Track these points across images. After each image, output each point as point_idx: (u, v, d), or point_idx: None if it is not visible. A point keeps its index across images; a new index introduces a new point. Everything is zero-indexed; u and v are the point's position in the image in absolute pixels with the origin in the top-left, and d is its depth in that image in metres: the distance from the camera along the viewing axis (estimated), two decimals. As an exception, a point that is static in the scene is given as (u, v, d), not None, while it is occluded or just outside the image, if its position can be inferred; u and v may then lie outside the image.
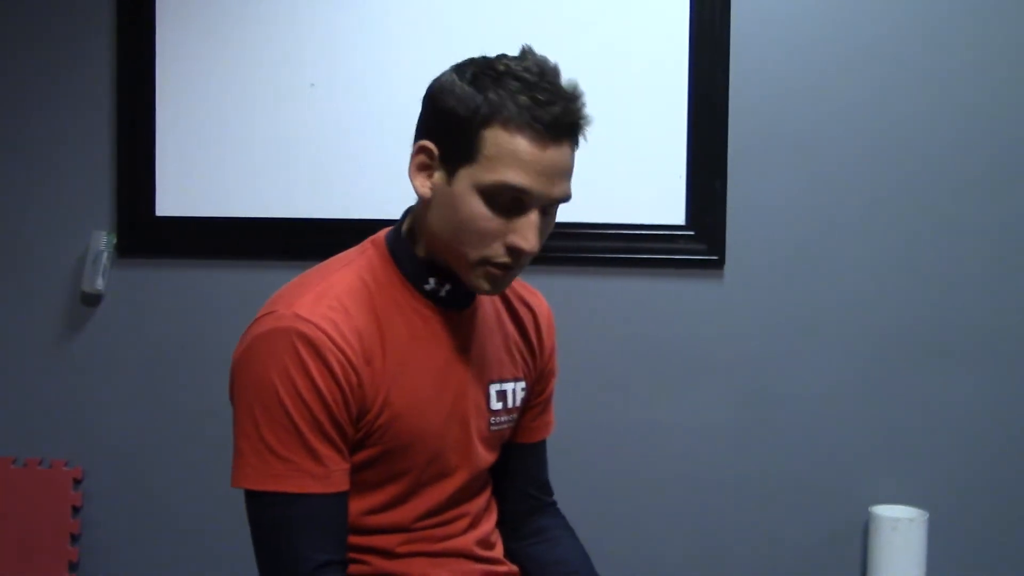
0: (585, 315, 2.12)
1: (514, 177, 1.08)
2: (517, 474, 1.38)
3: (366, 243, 1.23)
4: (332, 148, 2.15)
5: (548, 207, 1.14)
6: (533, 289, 1.40)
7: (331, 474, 1.11)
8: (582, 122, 1.11)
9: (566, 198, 1.14)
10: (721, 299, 2.10)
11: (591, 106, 1.14)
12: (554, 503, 1.44)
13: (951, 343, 2.05)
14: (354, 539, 1.18)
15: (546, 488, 1.43)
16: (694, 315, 2.11)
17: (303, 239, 2.15)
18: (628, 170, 2.09)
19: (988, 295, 2.04)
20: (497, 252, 1.12)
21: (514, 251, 1.12)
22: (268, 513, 1.10)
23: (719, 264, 2.09)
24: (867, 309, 2.06)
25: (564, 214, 2.07)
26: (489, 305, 1.30)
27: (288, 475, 1.09)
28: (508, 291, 1.34)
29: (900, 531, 1.97)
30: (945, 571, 2.03)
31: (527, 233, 1.11)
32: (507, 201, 1.09)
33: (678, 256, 2.10)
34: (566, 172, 1.12)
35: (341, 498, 1.12)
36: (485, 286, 1.15)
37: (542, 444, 1.42)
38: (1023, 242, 2.03)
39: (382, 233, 1.24)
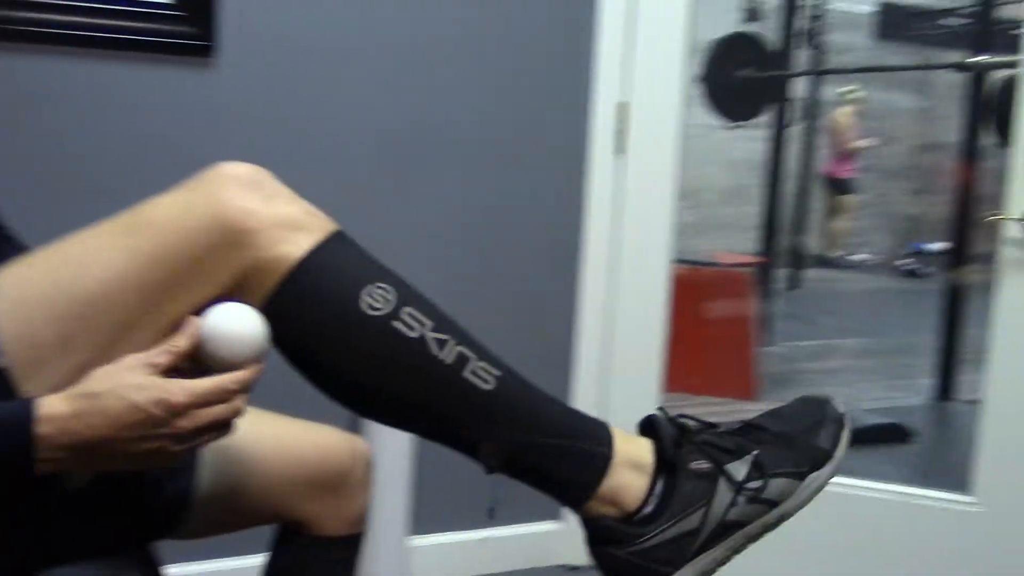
0: (50, 103, 1.80)
1: None
2: None
3: None
4: None
5: None
6: None
7: None
8: None
9: None
10: (210, 90, 1.91)
11: None
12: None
13: (438, 149, 2.08)
14: None
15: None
16: (178, 107, 1.89)
17: None
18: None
19: (480, 106, 2.10)
20: None
21: None
22: None
23: (209, 51, 1.89)
24: (365, 109, 2.01)
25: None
26: None
27: None
28: None
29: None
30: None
31: None
32: None
33: (162, 39, 1.86)
34: None
35: None
36: None
37: None
38: (517, 55, 2.11)
39: None
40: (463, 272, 2.14)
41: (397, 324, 0.92)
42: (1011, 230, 2.00)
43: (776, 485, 0.97)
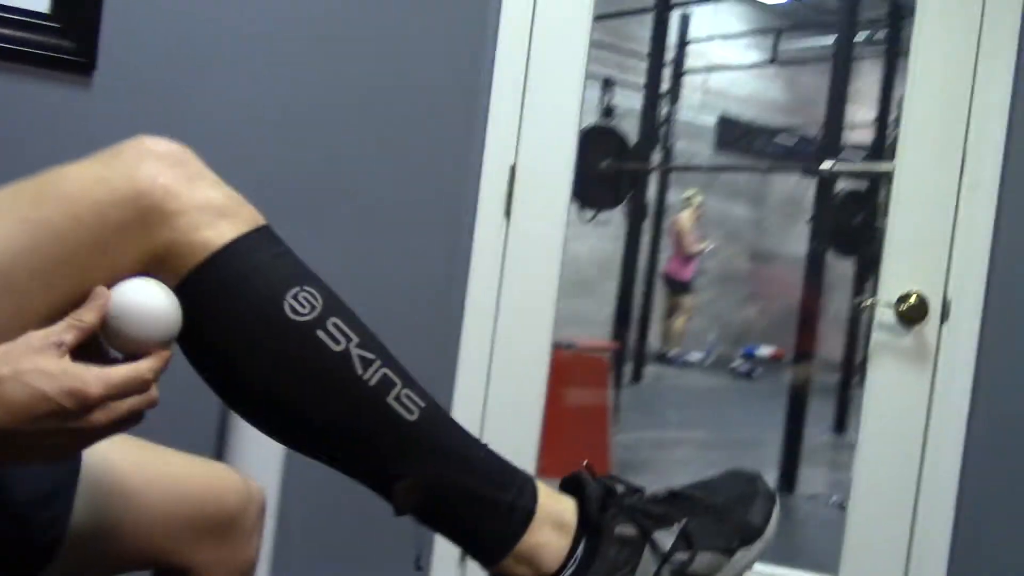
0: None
1: None
2: None
3: None
4: None
5: None
6: None
7: None
8: None
9: None
10: (89, 109, 1.77)
11: None
12: None
13: (321, 202, 2.00)
14: None
15: None
16: (55, 125, 1.75)
17: None
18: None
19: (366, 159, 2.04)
20: None
21: None
22: None
23: (89, 67, 1.76)
24: (246, 154, 1.91)
25: None
26: None
27: None
28: None
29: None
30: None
31: None
32: None
33: (37, 51, 1.72)
34: None
35: None
36: None
37: None
38: (407, 110, 2.06)
39: None
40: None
41: (320, 334, 0.83)
42: (882, 315, 2.06)
43: (703, 560, 0.91)
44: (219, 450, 1.82)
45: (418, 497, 0.87)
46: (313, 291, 0.84)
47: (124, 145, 0.83)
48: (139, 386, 0.76)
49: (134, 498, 1.03)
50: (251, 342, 0.81)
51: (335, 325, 0.83)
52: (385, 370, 0.85)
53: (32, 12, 1.72)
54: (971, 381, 2.01)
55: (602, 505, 0.91)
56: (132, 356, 0.78)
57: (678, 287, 8.14)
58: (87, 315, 0.76)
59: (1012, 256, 2.00)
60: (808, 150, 9.63)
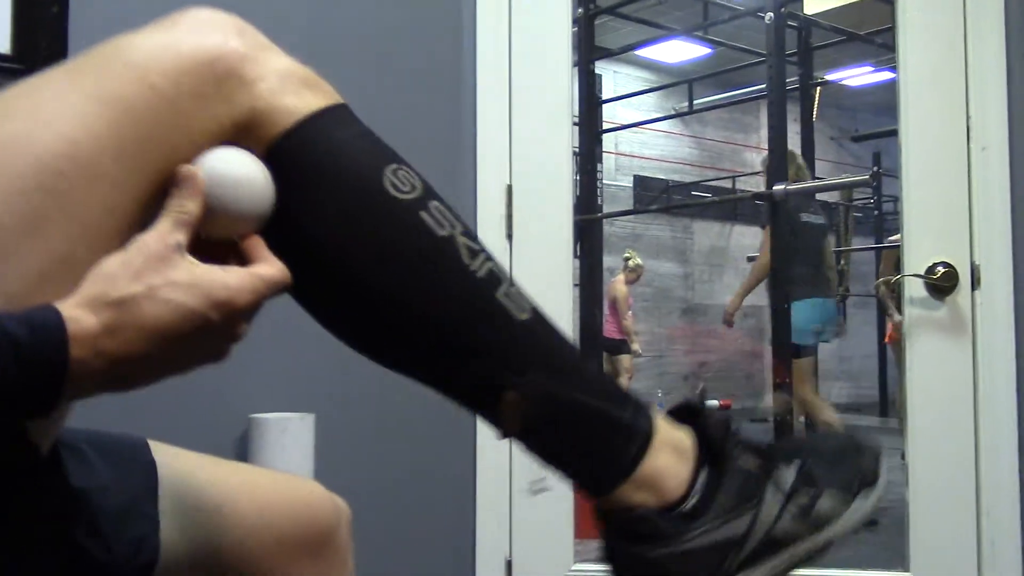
0: None
1: None
2: None
3: None
4: None
5: None
6: None
7: None
8: None
9: None
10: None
11: None
12: None
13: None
14: None
15: None
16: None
17: None
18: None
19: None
20: None
21: None
22: None
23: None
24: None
25: None
26: None
27: None
28: None
29: (289, 431, 1.71)
30: (331, 466, 1.82)
31: None
32: None
33: None
34: None
35: None
36: None
37: None
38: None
39: None
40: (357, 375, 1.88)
41: (424, 216, 0.72)
42: (912, 289, 1.99)
43: (825, 503, 0.79)
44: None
45: (529, 411, 0.74)
46: (411, 170, 0.74)
47: (177, 15, 0.71)
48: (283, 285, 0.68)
49: (225, 512, 0.87)
50: (348, 219, 0.70)
51: (437, 209, 0.73)
52: (491, 264, 0.74)
53: (-8, 54, 1.57)
54: (1013, 344, 1.94)
55: (724, 432, 0.80)
56: (224, 239, 0.67)
57: (613, 347, 7.99)
58: (189, 204, 0.65)
59: (1035, 212, 1.95)
60: (726, 199, 9.77)
